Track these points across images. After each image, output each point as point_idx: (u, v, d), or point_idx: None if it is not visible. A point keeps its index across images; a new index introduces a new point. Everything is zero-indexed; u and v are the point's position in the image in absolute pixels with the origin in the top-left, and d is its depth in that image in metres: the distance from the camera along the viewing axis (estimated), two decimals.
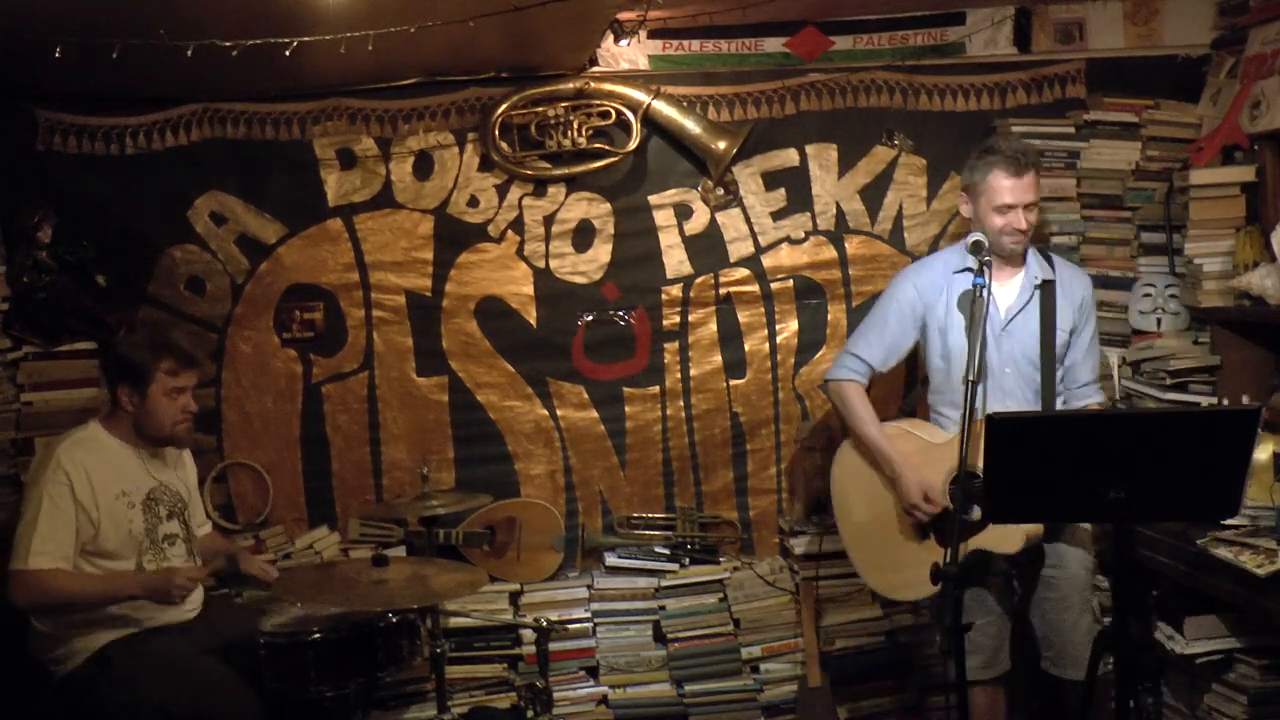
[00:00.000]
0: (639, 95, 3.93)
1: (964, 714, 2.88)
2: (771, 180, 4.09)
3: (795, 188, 4.09)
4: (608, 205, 4.05)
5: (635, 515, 4.13)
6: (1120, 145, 3.99)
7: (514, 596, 3.98)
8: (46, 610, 3.04)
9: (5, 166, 3.73)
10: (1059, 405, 3.26)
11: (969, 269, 3.13)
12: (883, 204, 4.11)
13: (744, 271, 4.11)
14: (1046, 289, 3.24)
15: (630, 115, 3.93)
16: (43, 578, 2.96)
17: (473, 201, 4.02)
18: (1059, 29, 4.04)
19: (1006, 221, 3.18)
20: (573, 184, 4.03)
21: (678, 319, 4.12)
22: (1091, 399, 3.31)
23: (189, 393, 3.21)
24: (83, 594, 3.02)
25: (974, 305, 2.99)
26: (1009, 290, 3.26)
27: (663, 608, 3.98)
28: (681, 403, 4.14)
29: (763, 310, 4.13)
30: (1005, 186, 3.18)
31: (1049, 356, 3.21)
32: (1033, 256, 3.29)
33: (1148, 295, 3.94)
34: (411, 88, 3.94)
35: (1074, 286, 3.28)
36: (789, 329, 4.14)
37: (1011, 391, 3.23)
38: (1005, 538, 3.11)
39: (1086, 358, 3.29)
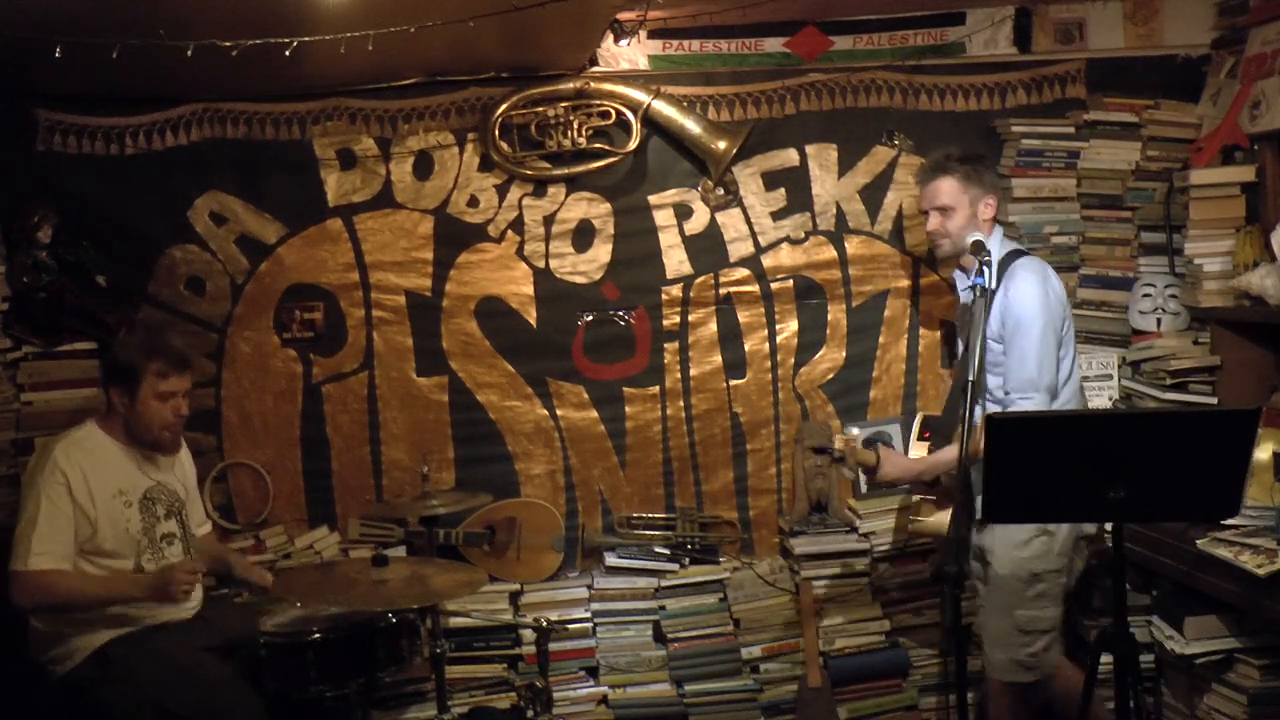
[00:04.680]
0: (639, 95, 3.93)
1: (963, 714, 2.89)
2: (771, 180, 4.09)
3: (795, 188, 4.09)
4: (608, 205, 4.05)
5: (635, 515, 4.12)
6: (1120, 145, 3.99)
7: (514, 596, 3.98)
8: (47, 611, 3.04)
9: (5, 166, 3.72)
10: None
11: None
12: (883, 204, 4.11)
13: (744, 271, 4.11)
14: (985, 296, 3.18)
15: (630, 115, 3.92)
16: (43, 579, 2.97)
17: (473, 201, 4.02)
18: (1059, 29, 4.04)
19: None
20: (573, 184, 4.03)
21: (678, 319, 4.12)
22: (1012, 408, 3.20)
23: (180, 396, 3.20)
24: (83, 595, 3.02)
25: (974, 305, 3.01)
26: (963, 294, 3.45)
27: (663, 608, 3.98)
28: (681, 403, 4.14)
29: (763, 310, 4.13)
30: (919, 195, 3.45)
31: (966, 359, 3.14)
32: (989, 264, 3.23)
33: (1148, 295, 3.94)
34: (411, 88, 3.93)
35: (1006, 298, 3.21)
36: (789, 329, 4.14)
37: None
38: None
39: (1011, 366, 3.20)
